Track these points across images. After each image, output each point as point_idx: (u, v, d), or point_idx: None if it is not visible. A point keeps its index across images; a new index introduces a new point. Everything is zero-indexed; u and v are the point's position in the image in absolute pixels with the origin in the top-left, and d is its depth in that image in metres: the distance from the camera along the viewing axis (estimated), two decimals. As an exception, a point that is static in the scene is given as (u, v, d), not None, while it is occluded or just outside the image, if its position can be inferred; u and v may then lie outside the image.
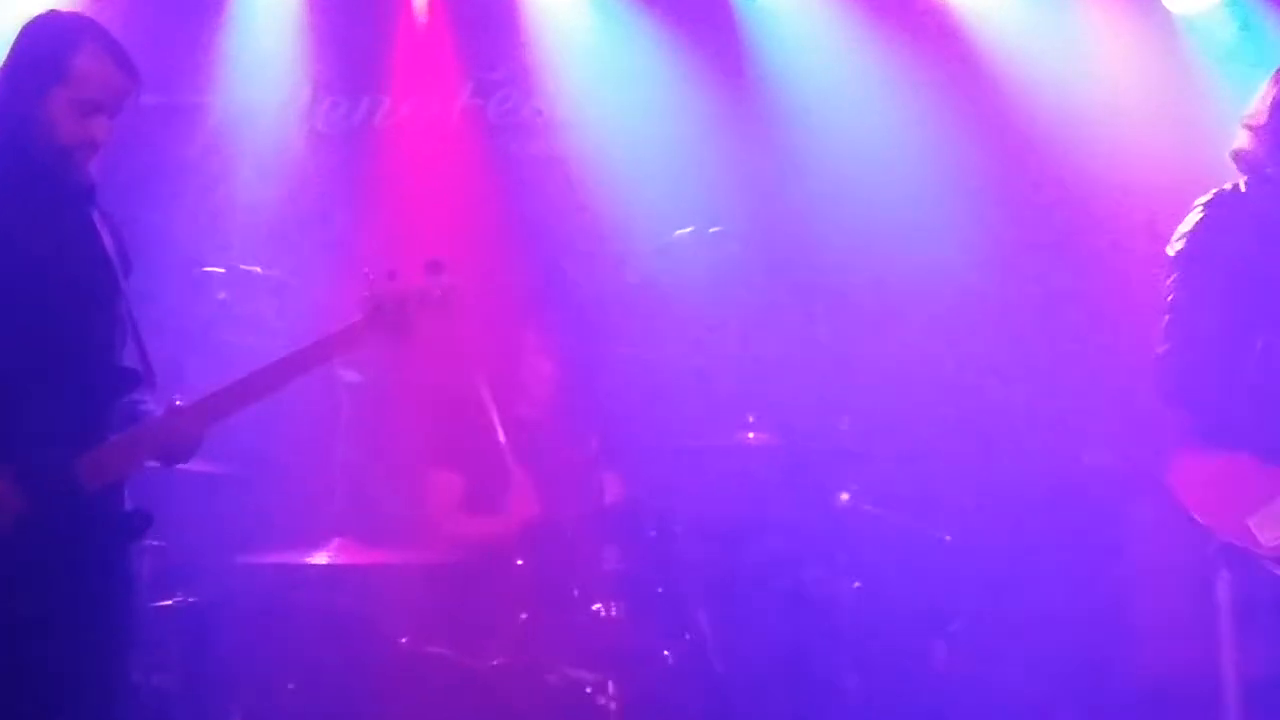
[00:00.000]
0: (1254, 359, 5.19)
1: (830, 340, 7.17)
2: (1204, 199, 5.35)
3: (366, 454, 6.74)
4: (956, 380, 7.22)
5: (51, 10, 4.25)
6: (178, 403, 4.20)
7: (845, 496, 6.69)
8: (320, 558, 6.04)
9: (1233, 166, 5.34)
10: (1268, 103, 5.31)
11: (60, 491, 4.04)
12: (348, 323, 4.24)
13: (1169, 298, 5.24)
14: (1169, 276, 5.27)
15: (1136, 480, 7.01)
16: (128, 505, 4.25)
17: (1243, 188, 5.32)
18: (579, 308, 7.08)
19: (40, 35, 4.12)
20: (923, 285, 7.24)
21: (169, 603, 6.07)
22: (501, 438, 6.54)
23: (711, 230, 6.89)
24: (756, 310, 7.06)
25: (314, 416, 6.53)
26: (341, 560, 6.07)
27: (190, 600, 6.16)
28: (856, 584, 6.60)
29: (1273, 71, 5.37)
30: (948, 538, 6.72)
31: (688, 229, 6.91)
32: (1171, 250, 5.31)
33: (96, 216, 4.25)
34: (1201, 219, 5.30)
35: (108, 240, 4.24)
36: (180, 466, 5.59)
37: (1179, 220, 5.34)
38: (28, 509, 3.98)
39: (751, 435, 6.70)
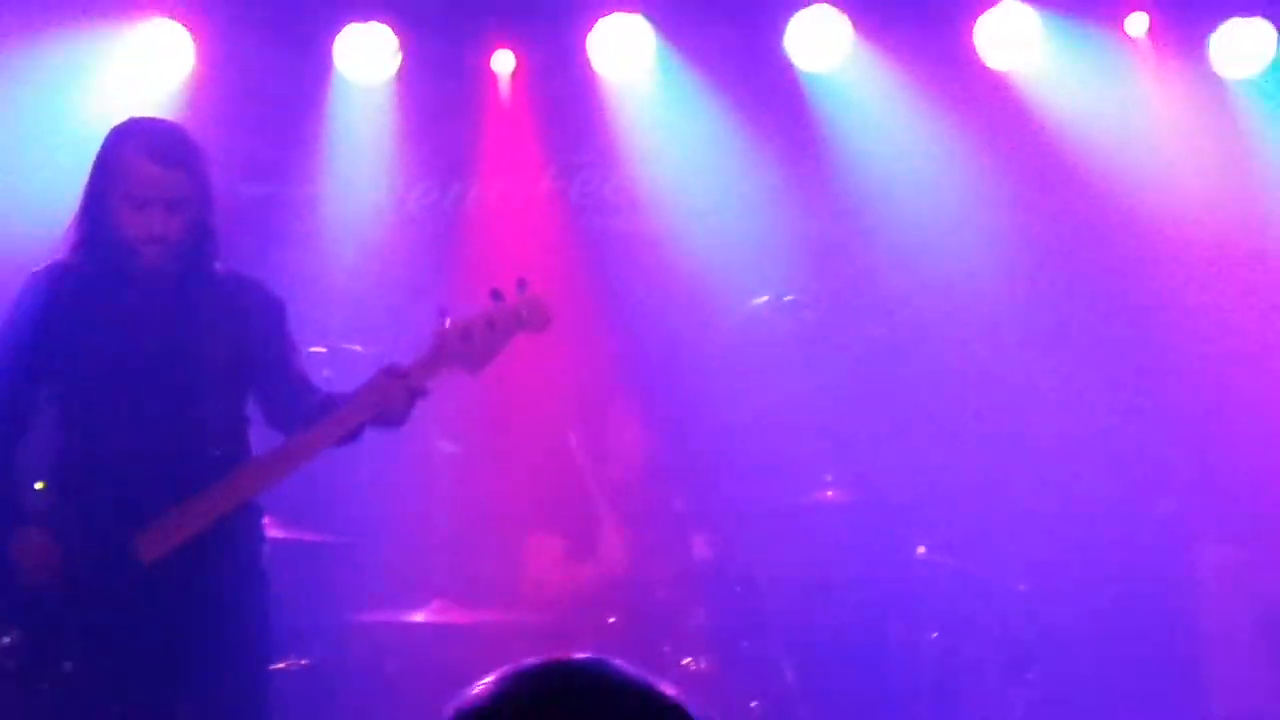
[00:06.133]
0: None
1: (902, 399, 7.24)
2: None
3: (464, 521, 6.90)
4: (1027, 439, 7.25)
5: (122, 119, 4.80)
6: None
7: (922, 549, 6.73)
8: (419, 616, 6.33)
9: None
10: None
11: (113, 566, 4.50)
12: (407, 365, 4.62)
13: None
14: None
15: (1207, 527, 7.22)
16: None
17: None
18: (664, 376, 7.15)
19: (104, 141, 4.68)
20: (986, 343, 7.33)
21: (282, 665, 6.12)
22: (594, 495, 6.69)
23: (786, 298, 7.01)
24: (831, 373, 7.11)
25: (412, 487, 6.79)
26: (439, 619, 6.32)
27: (302, 662, 6.40)
28: (935, 634, 6.64)
29: None
30: (1022, 587, 6.76)
31: (764, 298, 7.04)
32: None
33: (189, 304, 4.66)
34: None
35: (200, 328, 4.67)
36: (285, 536, 5.88)
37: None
38: (71, 582, 4.52)
39: (830, 493, 6.78)
